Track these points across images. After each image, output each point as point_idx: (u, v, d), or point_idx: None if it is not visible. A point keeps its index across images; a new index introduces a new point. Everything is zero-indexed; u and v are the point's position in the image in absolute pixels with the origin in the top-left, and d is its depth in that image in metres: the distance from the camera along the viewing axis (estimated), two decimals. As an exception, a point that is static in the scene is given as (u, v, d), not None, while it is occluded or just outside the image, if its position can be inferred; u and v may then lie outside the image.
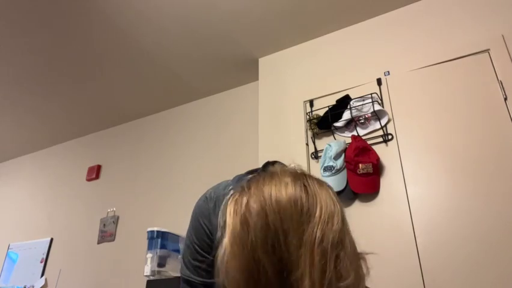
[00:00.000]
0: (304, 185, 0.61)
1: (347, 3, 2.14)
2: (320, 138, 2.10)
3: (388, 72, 2.04)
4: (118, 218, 2.96)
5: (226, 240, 0.59)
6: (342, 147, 1.89)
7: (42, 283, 3.03)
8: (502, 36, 1.80)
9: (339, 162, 1.85)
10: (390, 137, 1.89)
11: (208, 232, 0.82)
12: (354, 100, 2.00)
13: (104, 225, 2.98)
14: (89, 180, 3.31)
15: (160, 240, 2.27)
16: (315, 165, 2.03)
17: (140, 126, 3.31)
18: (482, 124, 1.70)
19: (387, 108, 1.95)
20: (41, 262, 3.15)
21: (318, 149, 2.06)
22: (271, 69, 2.50)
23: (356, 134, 1.96)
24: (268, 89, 2.45)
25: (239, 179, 0.80)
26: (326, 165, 1.87)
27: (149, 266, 2.19)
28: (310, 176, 0.64)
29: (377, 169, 1.81)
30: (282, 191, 0.59)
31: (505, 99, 1.69)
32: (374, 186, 1.79)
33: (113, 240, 2.89)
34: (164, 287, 2.20)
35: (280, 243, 0.56)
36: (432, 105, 1.85)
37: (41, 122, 3.35)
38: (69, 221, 3.22)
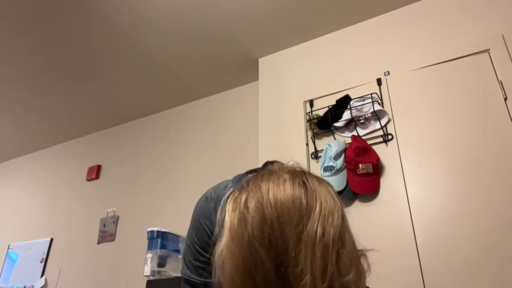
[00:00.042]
0: (303, 182, 0.60)
1: (347, 3, 2.15)
2: (320, 138, 2.10)
3: (388, 72, 2.04)
4: (118, 218, 2.96)
5: (223, 237, 0.59)
6: (342, 147, 1.89)
7: (42, 283, 3.03)
8: (502, 36, 1.80)
9: (339, 162, 1.85)
10: (390, 137, 1.89)
11: (209, 232, 0.82)
12: (354, 100, 2.00)
13: (104, 225, 2.98)
14: (89, 180, 3.31)
15: (160, 240, 2.27)
16: (315, 165, 2.03)
17: (140, 126, 3.31)
18: (482, 124, 1.70)
19: (387, 108, 1.95)
20: (41, 262, 3.15)
21: (318, 149, 2.06)
22: (271, 69, 2.50)
23: (356, 134, 1.96)
24: (268, 89, 2.45)
25: (239, 178, 0.80)
26: (326, 165, 1.87)
27: (149, 266, 2.19)
28: (309, 174, 0.64)
29: (377, 169, 1.81)
30: (280, 186, 0.59)
31: (505, 99, 1.69)
32: (374, 186, 1.80)
33: (113, 240, 2.89)
34: (164, 287, 2.20)
35: (277, 238, 0.55)
36: (432, 105, 1.85)
37: (41, 122, 3.36)
38: (69, 221, 3.23)
